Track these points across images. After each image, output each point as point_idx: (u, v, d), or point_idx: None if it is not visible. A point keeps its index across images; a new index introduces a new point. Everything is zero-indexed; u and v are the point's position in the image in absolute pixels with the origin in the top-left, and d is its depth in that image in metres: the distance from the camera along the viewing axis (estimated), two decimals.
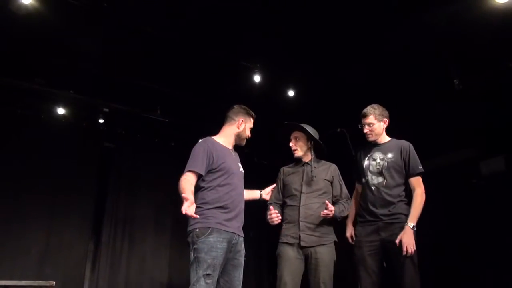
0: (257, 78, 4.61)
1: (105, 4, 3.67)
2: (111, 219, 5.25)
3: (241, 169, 2.75)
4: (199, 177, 2.51)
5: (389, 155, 2.95)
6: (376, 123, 2.99)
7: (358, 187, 3.13)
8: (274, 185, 2.99)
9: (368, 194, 2.94)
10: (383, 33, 3.92)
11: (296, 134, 3.02)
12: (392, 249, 2.76)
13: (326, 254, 2.76)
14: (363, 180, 3.00)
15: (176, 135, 5.78)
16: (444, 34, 3.78)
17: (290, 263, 2.77)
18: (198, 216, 2.28)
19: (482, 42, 3.76)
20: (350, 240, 3.04)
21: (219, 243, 2.38)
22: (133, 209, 5.43)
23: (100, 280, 4.95)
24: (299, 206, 2.85)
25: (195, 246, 2.37)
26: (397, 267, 2.75)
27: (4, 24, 3.81)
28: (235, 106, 2.82)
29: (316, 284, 2.71)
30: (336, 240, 2.90)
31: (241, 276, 2.55)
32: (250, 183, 2.84)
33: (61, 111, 4.99)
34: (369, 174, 2.98)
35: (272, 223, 2.82)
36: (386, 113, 3.04)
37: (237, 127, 2.75)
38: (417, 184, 2.88)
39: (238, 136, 2.77)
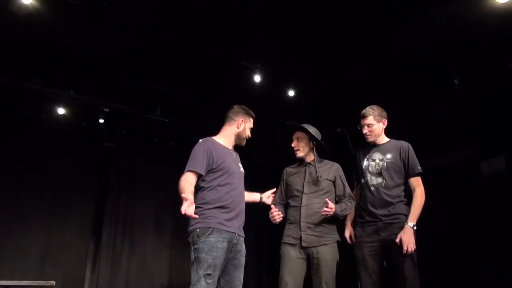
0: (257, 78, 4.61)
1: (105, 4, 3.67)
2: (112, 219, 5.25)
3: (242, 169, 2.75)
4: (199, 177, 2.51)
5: (388, 156, 2.96)
6: (375, 124, 3.00)
7: (357, 188, 3.14)
8: (274, 189, 2.97)
9: (367, 195, 2.95)
10: (383, 33, 3.92)
11: (298, 134, 3.03)
12: (392, 249, 2.77)
13: (328, 254, 2.76)
14: (362, 180, 3.01)
15: (176, 135, 5.79)
16: (444, 34, 3.78)
17: (292, 263, 2.77)
18: (197, 216, 2.29)
19: (482, 42, 3.76)
20: (349, 241, 3.05)
21: (219, 243, 2.38)
22: (133, 209, 5.43)
23: (100, 280, 4.95)
24: (300, 207, 2.86)
25: (195, 246, 2.37)
26: (397, 266, 2.76)
27: (5, 24, 3.81)
28: (234, 106, 2.83)
29: (318, 284, 2.71)
30: (339, 239, 2.90)
31: (242, 276, 2.55)
32: (250, 183, 2.85)
33: (61, 111, 4.99)
34: (368, 174, 2.99)
35: (274, 222, 2.83)
36: (385, 114, 3.06)
37: (237, 127, 2.76)
38: (417, 184, 2.89)
39: (238, 136, 2.77)
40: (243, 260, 2.56)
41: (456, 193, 4.60)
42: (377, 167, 2.96)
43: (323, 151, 3.04)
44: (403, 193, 2.92)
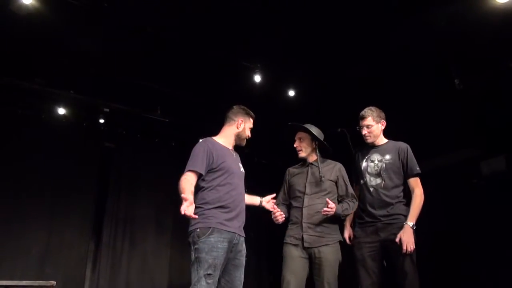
0: (257, 78, 4.61)
1: (105, 4, 3.67)
2: (112, 219, 5.25)
3: (242, 169, 2.75)
4: (199, 176, 2.52)
5: (387, 157, 2.98)
6: (374, 125, 3.02)
7: (356, 188, 3.14)
8: (274, 194, 2.94)
9: (366, 196, 2.97)
10: (383, 33, 3.92)
11: (300, 134, 3.04)
12: (391, 249, 2.79)
13: (330, 254, 2.77)
14: (361, 181, 3.03)
15: (177, 135, 5.78)
16: (444, 34, 3.77)
17: (294, 262, 2.78)
18: (197, 217, 2.29)
19: (482, 42, 3.76)
20: (348, 242, 3.06)
21: (220, 243, 2.38)
22: (133, 209, 5.42)
23: (100, 280, 4.95)
24: (302, 207, 2.88)
25: (196, 246, 2.38)
26: (397, 266, 2.78)
27: (5, 24, 3.81)
28: (234, 107, 2.84)
29: (320, 284, 2.72)
30: (341, 239, 2.91)
31: (242, 276, 2.55)
32: (250, 183, 2.85)
33: (61, 111, 4.99)
34: (367, 175, 3.01)
35: (277, 222, 2.84)
36: (383, 115, 3.08)
37: (237, 127, 2.76)
38: (416, 184, 2.91)
39: (238, 136, 2.78)
40: (243, 260, 2.56)
41: (456, 193, 4.61)
42: (376, 168, 2.98)
43: (326, 151, 3.04)
44: (402, 194, 2.94)
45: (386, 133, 3.13)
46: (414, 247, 2.71)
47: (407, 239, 2.69)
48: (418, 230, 2.79)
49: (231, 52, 4.37)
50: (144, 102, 5.15)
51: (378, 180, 2.95)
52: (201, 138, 2.70)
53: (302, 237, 2.80)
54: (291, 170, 3.13)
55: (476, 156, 4.57)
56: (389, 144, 3.05)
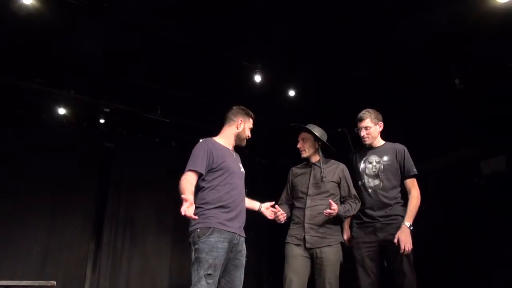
0: (257, 78, 4.60)
1: (105, 4, 3.67)
2: (112, 219, 5.25)
3: (242, 169, 2.76)
4: (200, 176, 2.52)
5: (385, 158, 3.01)
6: (372, 127, 3.05)
7: None
8: (273, 202, 2.93)
9: (365, 197, 2.99)
10: (384, 33, 3.92)
11: (303, 135, 3.05)
12: (389, 249, 2.82)
13: (331, 254, 2.78)
14: (359, 183, 3.05)
15: (177, 135, 5.79)
16: (445, 33, 3.77)
17: (296, 261, 2.79)
18: (197, 217, 2.29)
19: (482, 42, 3.75)
20: (347, 243, 3.07)
21: (220, 243, 2.38)
22: (134, 209, 5.42)
23: (101, 280, 4.95)
24: (304, 208, 2.88)
25: (196, 246, 2.38)
26: (394, 266, 2.81)
27: (5, 24, 3.81)
28: (234, 107, 2.85)
29: (322, 284, 2.73)
30: (343, 241, 2.92)
31: (242, 276, 2.55)
32: (250, 183, 2.85)
33: (61, 111, 4.98)
34: (365, 177, 3.03)
35: (278, 222, 2.85)
36: (380, 116, 3.11)
37: (236, 128, 2.77)
38: (413, 185, 2.95)
39: (237, 137, 2.78)
40: (243, 260, 2.57)
41: (457, 193, 4.61)
42: (374, 170, 3.01)
43: (329, 151, 3.04)
44: (399, 195, 2.98)
45: (387, 133, 3.14)
46: (412, 247, 2.73)
47: (404, 239, 2.72)
48: (417, 230, 2.81)
49: (231, 52, 4.37)
50: (144, 102, 5.15)
51: (377, 182, 2.98)
52: (201, 138, 2.71)
53: (304, 238, 2.81)
54: (295, 170, 3.14)
55: (476, 156, 4.57)
56: (387, 146, 3.09)
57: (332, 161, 3.06)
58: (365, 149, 3.12)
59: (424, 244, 2.94)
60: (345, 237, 3.07)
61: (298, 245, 2.83)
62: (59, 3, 3.62)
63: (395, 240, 2.72)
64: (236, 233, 2.50)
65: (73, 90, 4.82)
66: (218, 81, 4.82)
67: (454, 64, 4.15)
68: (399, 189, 2.97)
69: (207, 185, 2.53)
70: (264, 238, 5.93)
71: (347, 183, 2.97)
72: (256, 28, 4.04)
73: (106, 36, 4.10)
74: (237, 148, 2.84)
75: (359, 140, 3.13)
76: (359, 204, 2.96)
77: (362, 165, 3.07)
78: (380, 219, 2.88)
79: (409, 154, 3.00)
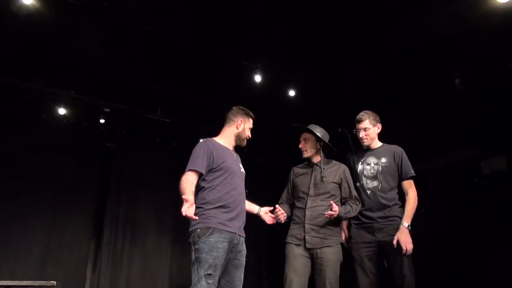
0: (257, 78, 4.61)
1: (105, 4, 3.67)
2: (112, 219, 5.25)
3: (242, 169, 2.76)
4: (200, 176, 2.52)
5: (383, 160, 3.03)
6: (371, 128, 3.07)
7: None
8: (272, 207, 2.91)
9: (363, 198, 3.01)
10: (384, 33, 3.92)
11: (305, 135, 3.05)
12: (388, 249, 2.83)
13: (331, 254, 2.78)
14: (358, 184, 3.06)
15: (177, 135, 5.79)
16: (445, 34, 3.77)
17: (297, 261, 2.79)
18: (197, 218, 2.29)
19: (483, 42, 3.75)
20: (345, 244, 3.07)
21: (220, 243, 2.39)
22: (134, 209, 5.43)
23: (101, 280, 4.95)
24: (305, 208, 2.88)
25: (196, 246, 2.38)
26: (394, 267, 2.82)
27: (5, 24, 3.81)
28: (233, 107, 2.85)
29: (322, 283, 2.73)
30: (343, 242, 2.92)
31: (242, 276, 2.56)
32: (250, 183, 2.85)
33: (62, 111, 4.98)
34: (363, 178, 3.05)
35: (279, 221, 2.85)
36: (378, 118, 3.13)
37: (236, 128, 2.78)
38: (410, 187, 2.97)
39: (238, 137, 2.78)
40: (243, 260, 2.57)
41: (457, 193, 4.61)
42: (372, 171, 3.02)
43: (331, 151, 3.05)
44: (397, 196, 3.00)
45: (387, 133, 3.14)
46: (413, 246, 2.74)
47: (405, 239, 2.73)
48: (417, 230, 2.82)
49: (231, 52, 4.37)
50: (144, 102, 5.15)
51: (375, 183, 2.99)
52: (201, 138, 2.71)
53: (304, 238, 2.81)
54: (296, 169, 3.14)
55: (476, 156, 4.58)
56: (384, 148, 3.11)
57: (334, 161, 3.06)
58: (363, 150, 3.14)
59: (424, 244, 2.94)
60: (343, 237, 3.07)
61: (298, 245, 2.83)
62: (59, 3, 3.62)
63: (395, 242, 2.74)
64: (236, 233, 2.50)
65: (73, 90, 4.82)
66: (218, 81, 4.82)
67: (454, 64, 4.15)
68: (396, 190, 3.00)
69: (207, 185, 2.53)
70: (264, 238, 5.94)
71: (348, 184, 2.97)
72: (256, 28, 4.04)
73: (106, 36, 4.09)
74: (237, 148, 2.84)
75: (357, 141, 3.14)
76: (360, 205, 2.97)
77: (360, 167, 3.08)
78: (379, 220, 2.90)
79: (406, 156, 3.02)
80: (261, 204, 2.92)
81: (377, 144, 3.12)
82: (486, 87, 4.21)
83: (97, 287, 4.92)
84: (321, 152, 3.01)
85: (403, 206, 2.92)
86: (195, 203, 2.39)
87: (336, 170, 2.98)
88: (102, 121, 5.20)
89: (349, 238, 3.05)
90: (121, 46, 4.29)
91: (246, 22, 3.97)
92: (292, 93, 4.92)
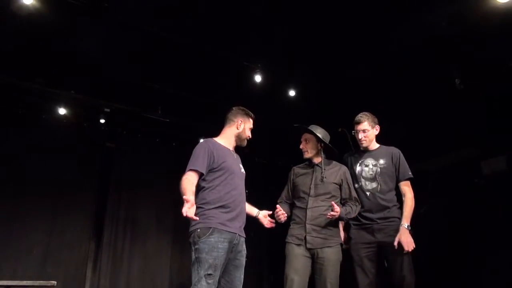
0: (258, 78, 4.61)
1: (105, 4, 3.67)
2: (113, 219, 5.26)
3: (242, 170, 2.76)
4: (200, 176, 2.53)
5: (381, 161, 3.04)
6: (370, 130, 3.08)
7: None
8: (271, 212, 2.90)
9: (363, 200, 3.01)
10: (384, 33, 3.92)
11: (306, 136, 3.05)
12: (388, 250, 2.84)
13: (332, 254, 2.79)
14: (356, 185, 3.06)
15: (177, 135, 5.79)
16: (445, 34, 3.77)
17: (297, 261, 2.79)
18: (198, 218, 2.29)
19: (483, 42, 3.76)
20: (344, 244, 3.07)
21: (220, 243, 2.39)
22: (134, 209, 5.43)
23: (101, 280, 4.95)
24: (306, 209, 2.88)
25: (196, 246, 2.38)
26: (394, 267, 2.82)
27: (5, 24, 3.82)
28: (233, 108, 2.85)
29: (323, 283, 2.73)
30: (342, 242, 2.92)
31: (242, 276, 2.56)
32: (250, 183, 2.85)
33: (62, 111, 4.99)
34: (362, 179, 3.05)
35: (279, 221, 2.85)
36: (377, 120, 3.14)
37: (237, 128, 2.78)
38: (407, 188, 2.98)
39: (238, 137, 2.79)
40: (243, 260, 2.57)
41: (457, 193, 4.61)
42: (370, 173, 3.03)
43: (332, 152, 3.05)
44: (395, 197, 3.01)
45: (387, 133, 3.15)
46: (414, 246, 2.74)
47: (406, 239, 2.74)
48: (417, 230, 2.83)
49: (231, 52, 4.37)
50: (144, 102, 5.15)
51: (374, 184, 3.00)
52: (201, 138, 2.71)
53: (305, 238, 2.81)
54: (296, 169, 3.14)
55: (476, 156, 4.58)
56: (382, 149, 3.11)
57: (334, 162, 3.06)
58: (360, 152, 3.15)
59: (424, 244, 2.94)
60: (342, 238, 3.07)
61: (299, 245, 2.83)
62: (59, 3, 3.62)
63: (395, 243, 2.74)
64: (236, 233, 2.50)
65: (73, 90, 4.82)
66: (218, 81, 4.82)
67: (454, 64, 4.15)
68: (394, 192, 3.01)
69: (207, 185, 2.53)
70: (264, 238, 5.94)
71: (348, 185, 2.97)
72: (256, 28, 4.04)
73: (106, 36, 4.09)
74: (237, 148, 2.84)
75: (355, 142, 3.15)
76: (359, 206, 2.97)
77: (358, 168, 3.08)
78: (379, 221, 2.91)
79: (404, 158, 3.04)
80: (261, 204, 2.92)
81: (375, 145, 3.13)
82: (486, 87, 4.22)
83: (97, 287, 4.92)
84: (322, 153, 3.01)
85: (401, 207, 2.93)
86: (195, 203, 2.39)
87: (337, 171, 2.98)
88: (102, 121, 5.20)
89: (347, 239, 3.05)
90: (121, 46, 4.29)
91: (246, 22, 3.97)
92: (292, 93, 4.92)
